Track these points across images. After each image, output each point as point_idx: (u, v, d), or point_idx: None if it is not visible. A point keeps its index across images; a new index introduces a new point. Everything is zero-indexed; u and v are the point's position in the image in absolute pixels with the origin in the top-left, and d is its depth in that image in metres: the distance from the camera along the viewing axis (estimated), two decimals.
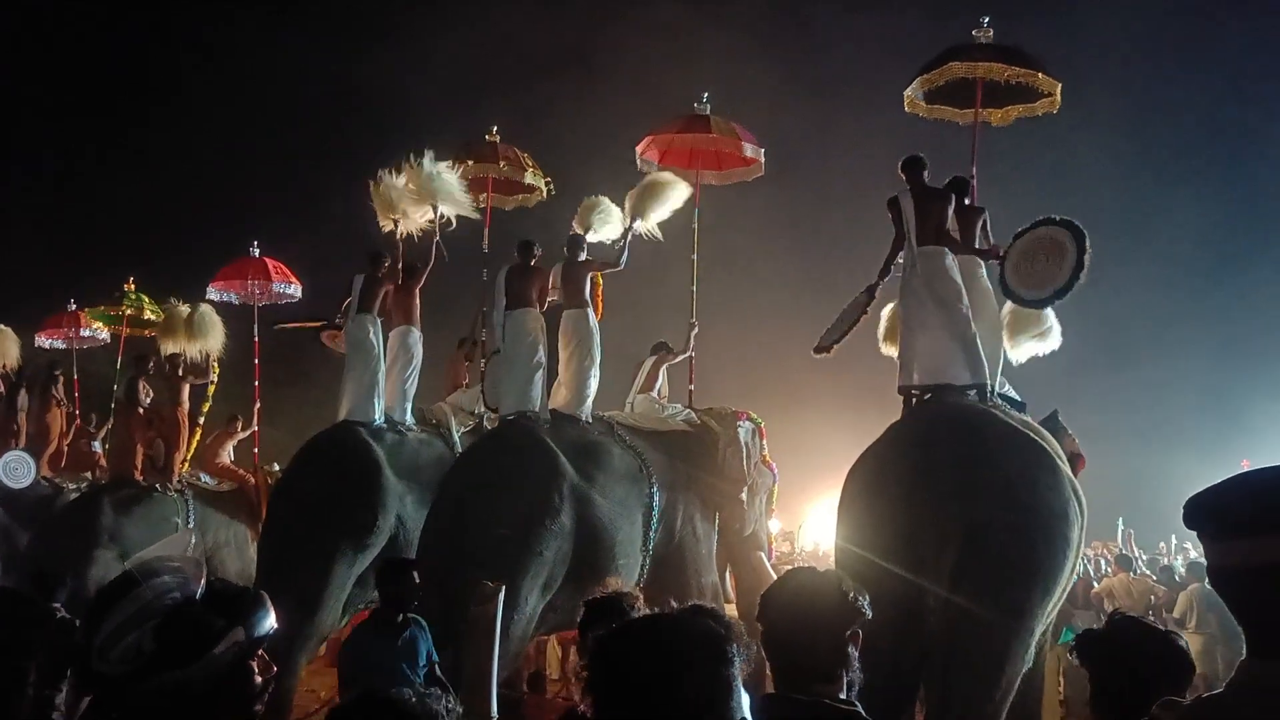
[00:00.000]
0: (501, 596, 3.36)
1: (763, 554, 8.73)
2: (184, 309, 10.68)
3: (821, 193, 17.36)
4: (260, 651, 1.80)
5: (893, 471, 5.71)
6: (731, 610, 8.22)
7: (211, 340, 10.56)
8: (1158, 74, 19.77)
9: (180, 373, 10.46)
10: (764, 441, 9.11)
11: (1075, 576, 7.21)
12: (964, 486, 5.42)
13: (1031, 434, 5.92)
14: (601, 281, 8.77)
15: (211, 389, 10.86)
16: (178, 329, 10.53)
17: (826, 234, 18.10)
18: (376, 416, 8.18)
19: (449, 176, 8.82)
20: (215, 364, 10.69)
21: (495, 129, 8.94)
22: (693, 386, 9.58)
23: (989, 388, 6.23)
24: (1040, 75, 7.83)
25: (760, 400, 10.63)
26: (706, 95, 9.78)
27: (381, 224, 8.88)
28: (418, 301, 8.73)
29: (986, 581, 5.25)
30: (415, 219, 8.82)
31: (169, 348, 10.59)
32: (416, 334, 8.66)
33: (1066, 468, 5.96)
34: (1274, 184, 19.33)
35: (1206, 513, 1.71)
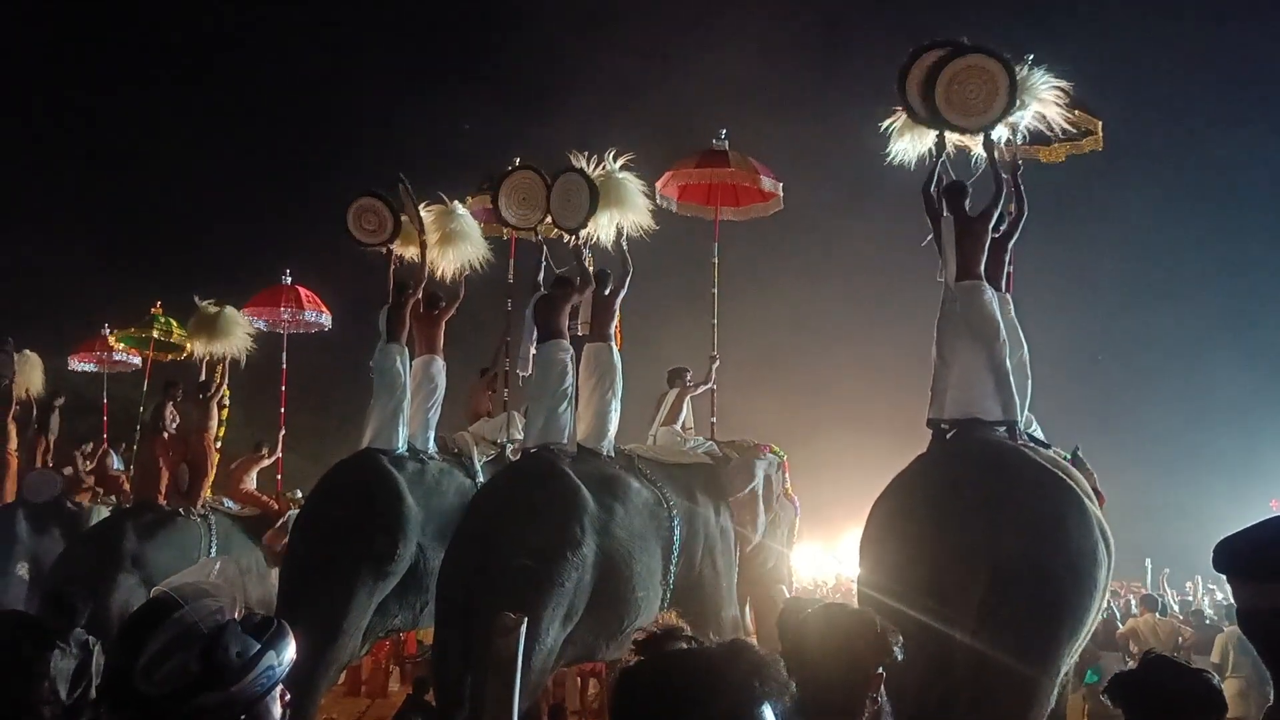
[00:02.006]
0: (524, 628, 3.34)
1: (784, 587, 8.69)
2: (212, 309, 10.85)
3: (842, 225, 17.39)
4: (282, 684, 1.85)
5: (919, 508, 5.66)
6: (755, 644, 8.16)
7: (235, 340, 10.70)
8: (1195, 102, 19.75)
9: (208, 393, 10.57)
10: (787, 475, 9.10)
11: (1102, 616, 7.14)
12: (991, 526, 5.37)
13: (1060, 473, 5.86)
14: (621, 314, 8.83)
15: (225, 414, 10.96)
16: (203, 327, 10.71)
17: (848, 265, 18.12)
18: (399, 445, 8.21)
19: (470, 221, 9.01)
20: (227, 388, 10.83)
21: (518, 160, 9.03)
22: (715, 419, 9.60)
23: (1019, 425, 6.19)
24: (1079, 113, 7.92)
25: (784, 433, 10.64)
26: (725, 131, 9.90)
27: (400, 253, 9.01)
28: (442, 331, 8.81)
29: (1014, 622, 5.19)
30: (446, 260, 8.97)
31: (196, 348, 10.75)
32: (440, 363, 8.71)
33: (1095, 508, 5.90)
34: None
35: (1239, 555, 1.71)
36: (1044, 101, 6.72)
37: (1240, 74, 19.57)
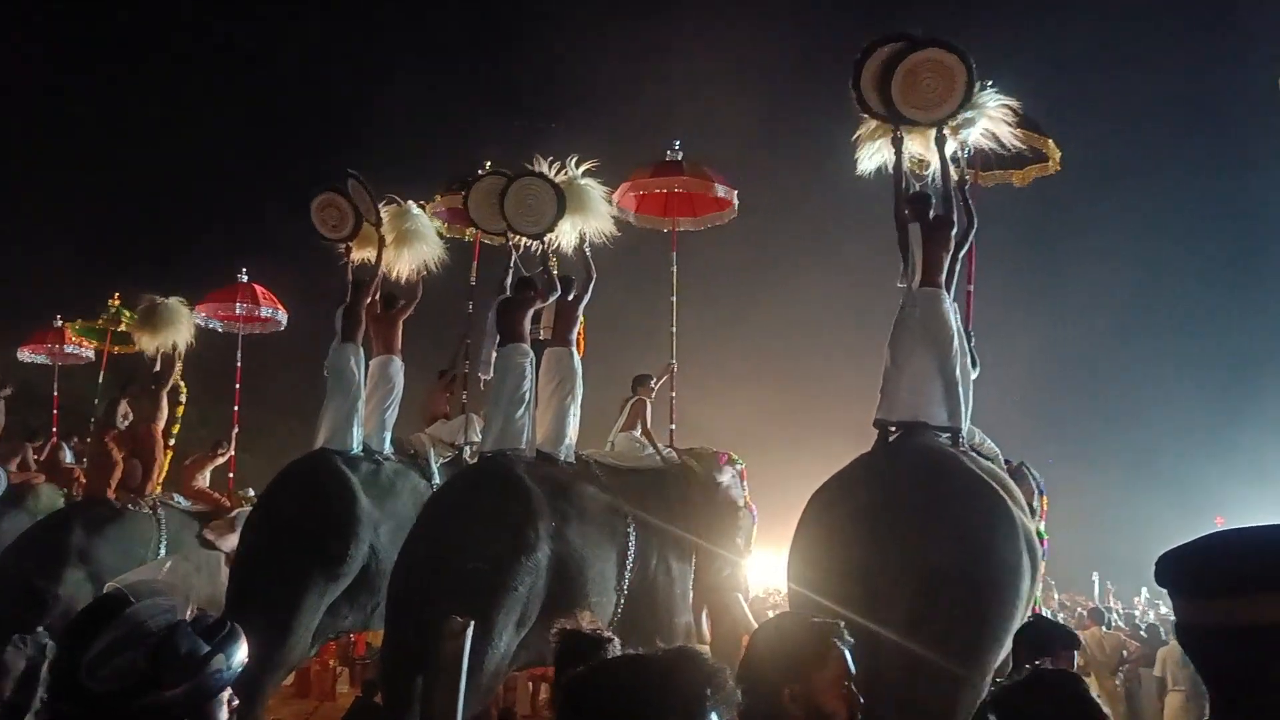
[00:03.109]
0: (470, 632, 3.33)
1: (740, 595, 8.72)
2: (156, 301, 10.72)
3: (799, 232, 17.55)
4: (230, 687, 1.83)
5: (852, 507, 5.71)
6: (706, 651, 8.19)
7: (181, 332, 10.58)
8: (1149, 124, 20.13)
9: (159, 384, 10.43)
10: (744, 483, 9.15)
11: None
12: (922, 533, 5.42)
13: (994, 484, 5.91)
14: (584, 320, 8.84)
15: (180, 411, 10.83)
16: (148, 320, 10.57)
17: (804, 273, 18.25)
18: (354, 445, 8.16)
19: (425, 221, 8.98)
20: (183, 384, 10.70)
21: (488, 163, 9.02)
22: (674, 426, 9.64)
23: (962, 432, 6.27)
24: (1025, 132, 8.11)
25: (741, 441, 10.71)
26: (678, 143, 9.99)
27: (357, 255, 8.96)
28: (400, 331, 8.77)
29: (938, 628, 5.24)
30: (401, 260, 8.92)
31: (144, 342, 10.61)
32: (398, 363, 8.68)
33: (1026, 519, 5.96)
34: (1262, 237, 19.59)
35: (1178, 571, 1.74)
36: (993, 119, 6.82)
37: (1192, 96, 19.96)
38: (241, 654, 1.85)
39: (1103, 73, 19.98)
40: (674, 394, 9.80)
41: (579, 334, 8.64)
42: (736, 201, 10.21)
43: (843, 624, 2.34)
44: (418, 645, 6.34)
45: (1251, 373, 17.70)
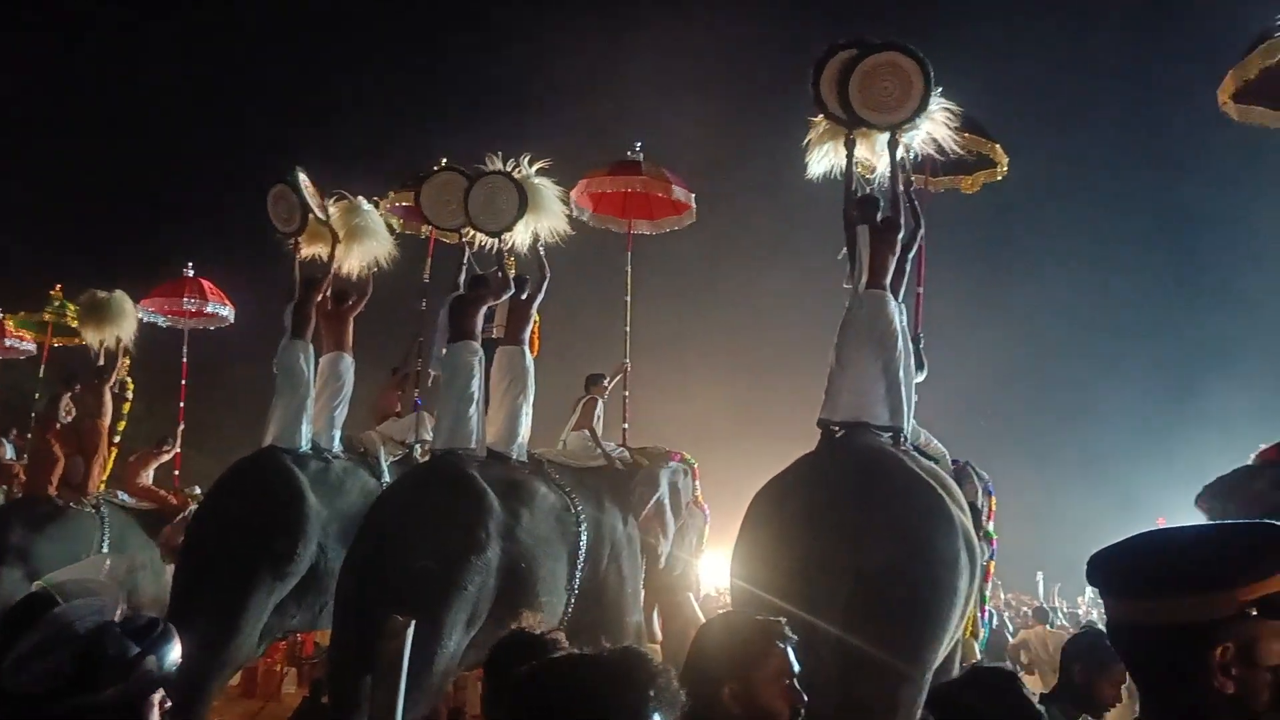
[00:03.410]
0: (410, 632, 3.31)
1: (691, 595, 8.77)
2: (101, 294, 10.53)
3: (755, 234, 17.67)
4: (162, 688, 1.80)
5: (793, 505, 5.75)
6: (657, 650, 8.22)
7: (126, 326, 10.40)
8: (1096, 127, 20.50)
9: (103, 379, 10.24)
10: (697, 482, 9.19)
11: (988, 627, 7.36)
12: (859, 532, 5.46)
13: (934, 482, 5.97)
14: (539, 319, 8.84)
15: (127, 407, 10.66)
16: (93, 314, 10.38)
17: (759, 276, 18.38)
18: (303, 443, 8.08)
19: (376, 218, 8.93)
20: (130, 380, 10.53)
21: (444, 160, 8.98)
22: (627, 425, 9.67)
23: (904, 432, 6.34)
24: (985, 142, 8.29)
25: (694, 440, 10.77)
26: (639, 144, 10.03)
27: (307, 251, 8.87)
28: (350, 328, 8.69)
29: (877, 625, 5.28)
30: (351, 256, 8.87)
31: (88, 336, 10.42)
32: (348, 360, 8.60)
33: (965, 518, 6.03)
34: (1203, 248, 20.04)
35: (1106, 571, 1.78)
36: (934, 122, 6.92)
37: (1138, 110, 20.36)
38: (174, 655, 1.82)
39: (1051, 84, 20.37)
40: (627, 393, 9.86)
41: (533, 333, 8.63)
42: (694, 206, 10.29)
43: (785, 622, 2.35)
44: (365, 645, 6.29)
45: (1191, 378, 18.14)
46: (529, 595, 7.16)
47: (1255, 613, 1.63)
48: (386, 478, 8.28)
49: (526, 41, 20.83)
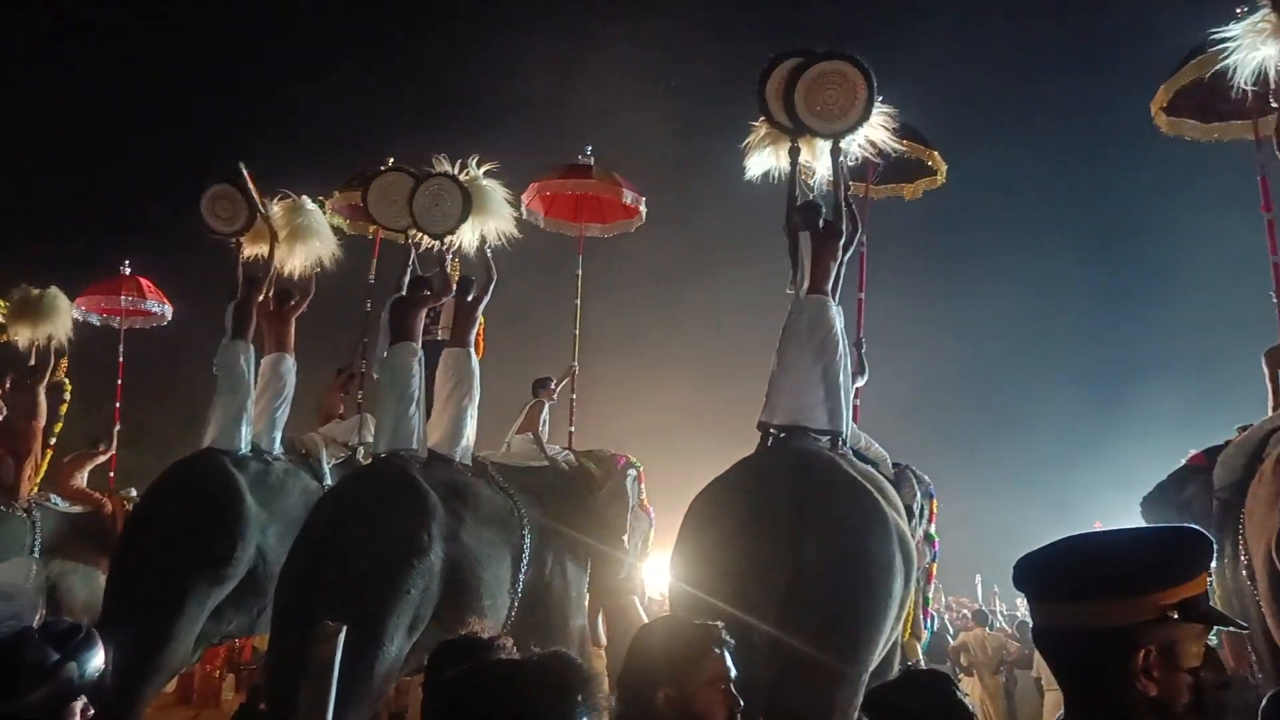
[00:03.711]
0: (342, 637, 3.27)
1: (636, 598, 8.76)
2: (33, 291, 10.28)
3: (703, 239, 17.77)
4: (85, 695, 1.76)
5: (730, 507, 5.79)
6: (603, 655, 8.21)
7: (60, 324, 10.16)
8: (1037, 139, 20.88)
9: (35, 379, 9.99)
10: (642, 486, 9.20)
11: (930, 629, 7.46)
12: (793, 534, 5.52)
13: (870, 485, 6.05)
14: (484, 321, 8.80)
15: (64, 409, 10.42)
16: (25, 311, 10.13)
17: (708, 280, 18.47)
18: (242, 445, 7.96)
19: (320, 217, 8.85)
20: (68, 382, 10.28)
21: (391, 160, 8.91)
22: (573, 429, 9.67)
23: (842, 435, 6.41)
24: (924, 149, 8.46)
25: (641, 445, 10.78)
26: (590, 148, 10.07)
27: (249, 250, 8.76)
28: (292, 328, 8.59)
29: (812, 627, 5.33)
30: (294, 256, 8.76)
31: (20, 334, 10.15)
32: (290, 361, 8.50)
33: (901, 520, 6.12)
34: (1136, 259, 20.48)
35: (1032, 575, 1.82)
36: (871, 126, 7.02)
37: (1076, 123, 20.75)
38: (96, 661, 1.78)
39: (990, 98, 20.72)
40: (574, 396, 9.85)
41: (479, 335, 8.59)
42: (644, 210, 10.36)
43: (722, 626, 2.35)
44: (305, 650, 6.19)
45: (1122, 385, 18.55)
46: (472, 599, 7.12)
47: (1176, 616, 1.67)
48: (328, 480, 8.19)
49: (479, 45, 20.74)
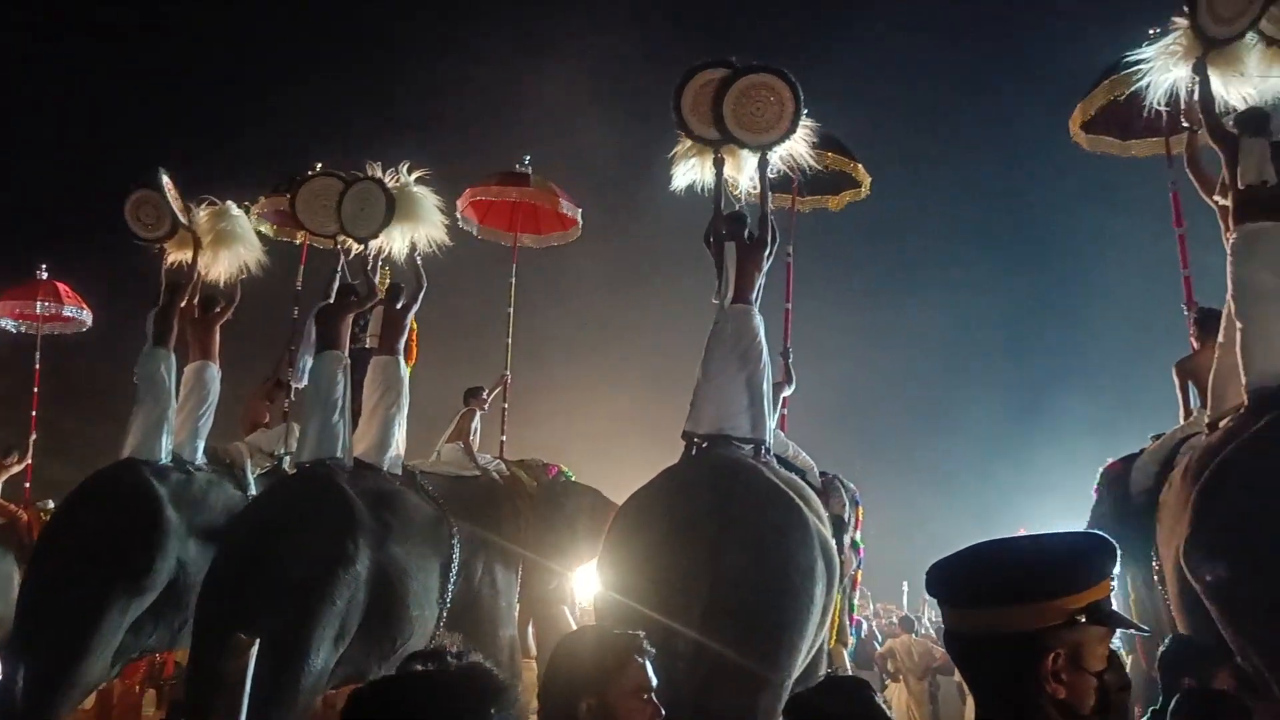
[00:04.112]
0: (254, 651, 3.22)
1: (566, 608, 8.75)
2: None
3: (639, 251, 17.83)
4: None
5: (654, 516, 5.83)
6: (533, 665, 8.17)
7: None
8: (958, 154, 21.34)
9: None
10: None
11: (857, 636, 7.57)
12: (716, 538, 5.57)
13: (792, 492, 6.11)
14: (416, 328, 8.73)
15: None
16: None
17: (644, 291, 18.54)
18: (162, 455, 7.78)
19: (245, 223, 8.71)
20: None
21: (319, 165, 8.80)
22: (504, 438, 9.62)
23: (765, 444, 6.48)
24: (849, 162, 8.61)
25: (574, 454, 10.77)
26: (528, 157, 10.05)
27: (174, 256, 8.58)
28: (217, 336, 8.43)
29: (735, 633, 5.36)
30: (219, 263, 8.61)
31: None
32: (214, 369, 8.34)
33: (824, 527, 6.19)
34: (1054, 273, 21.02)
35: (942, 581, 1.86)
36: (798, 139, 7.14)
37: (996, 137, 21.23)
38: None
39: (915, 114, 21.14)
40: (506, 405, 9.80)
41: (411, 343, 8.53)
42: (580, 221, 10.35)
43: (643, 635, 2.36)
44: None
45: (1044, 395, 19.00)
46: (400, 609, 7.06)
47: (1084, 619, 1.72)
48: (252, 490, 8.05)
49: (419, 53, 20.56)
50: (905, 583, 14.40)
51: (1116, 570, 1.79)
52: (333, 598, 6.64)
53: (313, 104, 19.23)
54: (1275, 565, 4.58)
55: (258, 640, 3.20)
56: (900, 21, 21.00)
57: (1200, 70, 6.05)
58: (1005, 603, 1.72)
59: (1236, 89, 6.05)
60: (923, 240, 21.04)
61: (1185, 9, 6.07)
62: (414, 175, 8.37)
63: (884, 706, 2.82)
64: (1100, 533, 1.84)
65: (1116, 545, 1.79)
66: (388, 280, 8.70)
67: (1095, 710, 1.71)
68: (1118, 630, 1.77)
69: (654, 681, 2.27)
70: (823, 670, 6.47)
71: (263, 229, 9.48)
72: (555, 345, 17.86)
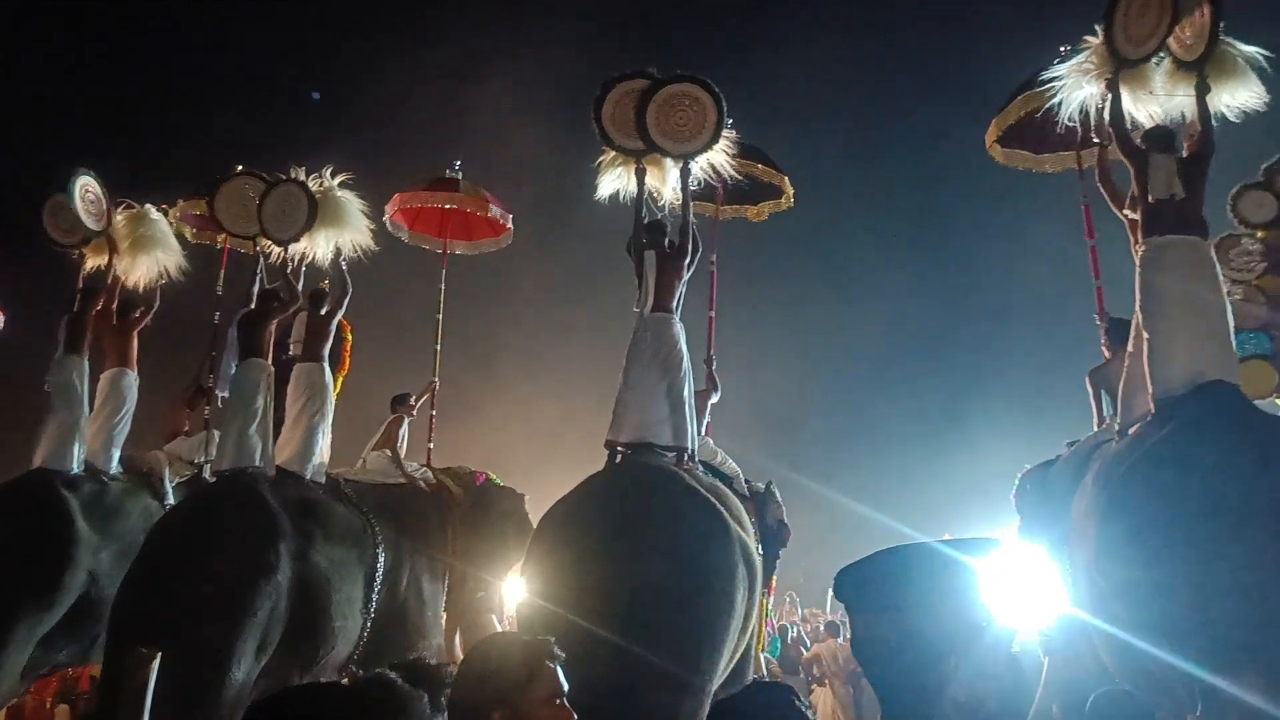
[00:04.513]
0: (155, 665, 3.16)
1: (494, 616, 8.69)
2: None
3: (573, 259, 17.83)
4: None
5: (576, 523, 5.86)
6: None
7: None
8: (880, 170, 21.75)
9: None
10: None
11: (778, 641, 7.64)
12: (637, 545, 5.61)
13: (713, 498, 6.17)
14: (351, 339, 8.63)
15: None
16: None
17: (578, 298, 18.53)
18: (74, 465, 7.56)
19: (164, 227, 8.54)
20: None
21: (239, 167, 8.64)
22: (432, 445, 9.54)
23: (688, 451, 6.52)
24: (776, 173, 8.73)
25: (502, 461, 10.72)
26: (459, 162, 10.01)
27: (91, 262, 8.37)
28: (134, 342, 8.22)
29: (657, 638, 5.38)
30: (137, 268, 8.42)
31: None
32: (131, 377, 8.13)
33: (745, 534, 6.25)
34: (979, 260, 21.41)
35: (848, 586, 1.90)
36: (720, 149, 7.22)
37: (918, 157, 21.64)
38: None
39: (840, 124, 21.50)
40: (434, 412, 9.73)
41: (344, 352, 8.42)
42: (512, 227, 10.31)
43: (553, 640, 2.34)
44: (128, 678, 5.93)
45: (966, 403, 19.42)
46: (323, 619, 6.95)
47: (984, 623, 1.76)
48: (170, 499, 7.85)
49: (355, 62, 20.33)
50: (831, 589, 14.56)
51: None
52: (253, 609, 6.50)
53: (246, 109, 18.91)
54: (1175, 570, 4.71)
55: (159, 654, 3.13)
56: (827, 39, 21.38)
57: (1113, 88, 6.25)
58: (900, 608, 1.76)
59: (1145, 107, 6.26)
60: (850, 253, 21.45)
61: (1103, 29, 6.26)
62: (338, 179, 8.26)
63: (809, 711, 2.86)
64: (994, 539, 1.89)
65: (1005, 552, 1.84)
66: (300, 283, 8.55)
67: (994, 713, 1.75)
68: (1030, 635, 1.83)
69: (565, 686, 2.26)
70: (750, 676, 6.52)
71: (182, 232, 9.28)
72: (486, 352, 17.79)
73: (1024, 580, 5.54)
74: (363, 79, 19.82)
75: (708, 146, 7.07)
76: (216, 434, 8.35)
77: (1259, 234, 9.83)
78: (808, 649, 12.04)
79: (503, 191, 10.64)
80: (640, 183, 7.10)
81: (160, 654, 3.10)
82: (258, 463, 7.21)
